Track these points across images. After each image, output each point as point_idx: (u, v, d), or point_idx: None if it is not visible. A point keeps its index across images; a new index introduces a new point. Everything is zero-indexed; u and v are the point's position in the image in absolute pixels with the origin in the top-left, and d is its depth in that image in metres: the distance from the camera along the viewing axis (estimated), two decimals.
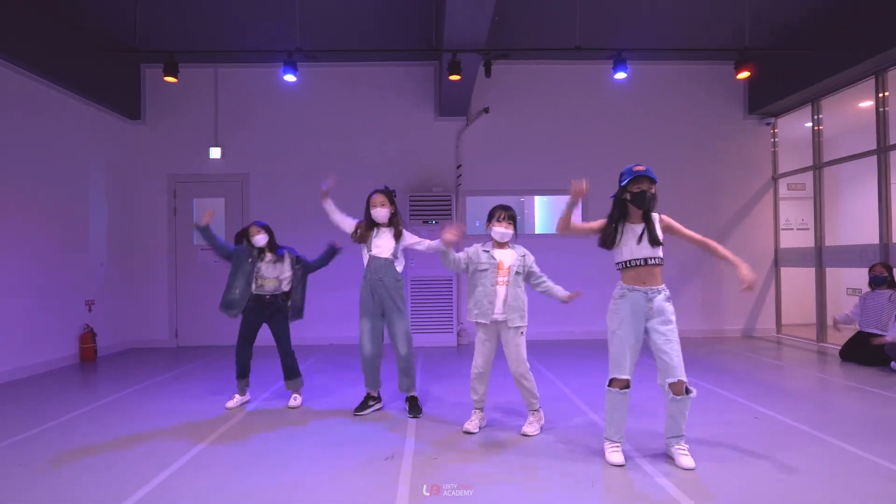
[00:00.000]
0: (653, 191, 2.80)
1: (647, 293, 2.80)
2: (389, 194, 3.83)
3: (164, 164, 7.26)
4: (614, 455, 2.84)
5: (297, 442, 3.27)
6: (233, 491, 2.58)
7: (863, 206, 7.79)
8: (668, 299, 2.84)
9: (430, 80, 7.38)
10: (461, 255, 3.40)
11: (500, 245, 3.36)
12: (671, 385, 2.77)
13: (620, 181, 2.86)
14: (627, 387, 2.83)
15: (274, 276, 4.02)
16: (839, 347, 5.81)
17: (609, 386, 2.85)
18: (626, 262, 2.84)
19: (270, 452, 3.10)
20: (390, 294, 3.71)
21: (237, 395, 4.08)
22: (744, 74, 5.62)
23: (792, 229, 8.46)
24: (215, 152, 7.22)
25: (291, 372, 4.10)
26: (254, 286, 4.00)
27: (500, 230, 3.33)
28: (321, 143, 7.32)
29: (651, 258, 2.80)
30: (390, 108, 7.37)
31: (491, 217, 3.39)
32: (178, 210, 7.24)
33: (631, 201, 2.81)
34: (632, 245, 2.81)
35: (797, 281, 7.84)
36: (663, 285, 2.85)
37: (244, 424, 3.64)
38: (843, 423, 3.52)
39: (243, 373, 4.05)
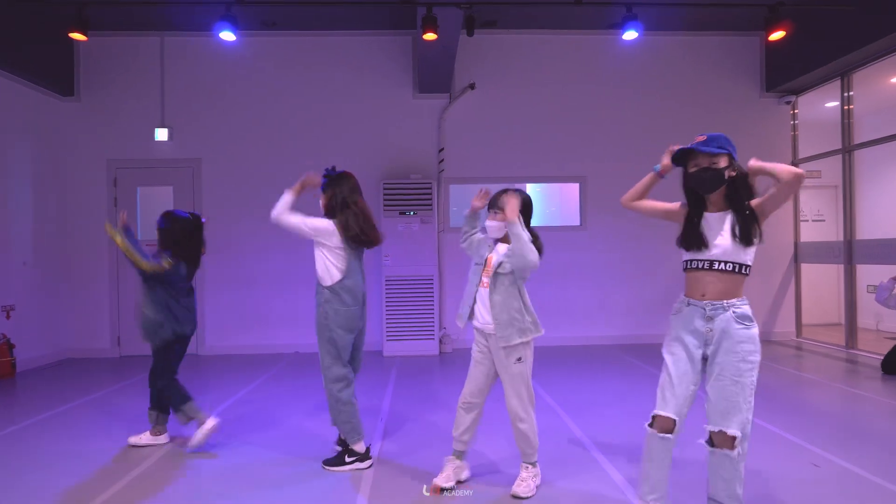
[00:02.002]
0: (721, 164, 1.99)
1: (704, 309, 2.01)
2: (329, 177, 2.86)
3: (102, 147, 6.31)
4: None
5: None
6: None
7: (883, 197, 7.03)
8: (740, 319, 1.98)
9: (408, 53, 6.49)
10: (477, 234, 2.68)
11: (500, 238, 2.55)
12: (711, 433, 2.00)
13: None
14: (671, 430, 2.03)
15: None
16: (874, 355, 5.04)
17: (649, 425, 2.09)
18: (687, 261, 2.10)
19: None
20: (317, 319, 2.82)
21: (148, 433, 3.22)
22: (777, 34, 4.73)
23: (807, 220, 7.70)
24: (162, 134, 6.28)
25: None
26: None
27: (491, 224, 2.52)
28: (284, 123, 6.41)
29: (719, 261, 2.00)
30: (362, 84, 6.47)
31: (492, 204, 2.53)
32: (118, 200, 6.30)
33: (693, 187, 2.08)
34: (715, 239, 2.03)
35: (813, 277, 7.10)
36: (736, 299, 2.01)
37: (148, 477, 2.78)
38: None
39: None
